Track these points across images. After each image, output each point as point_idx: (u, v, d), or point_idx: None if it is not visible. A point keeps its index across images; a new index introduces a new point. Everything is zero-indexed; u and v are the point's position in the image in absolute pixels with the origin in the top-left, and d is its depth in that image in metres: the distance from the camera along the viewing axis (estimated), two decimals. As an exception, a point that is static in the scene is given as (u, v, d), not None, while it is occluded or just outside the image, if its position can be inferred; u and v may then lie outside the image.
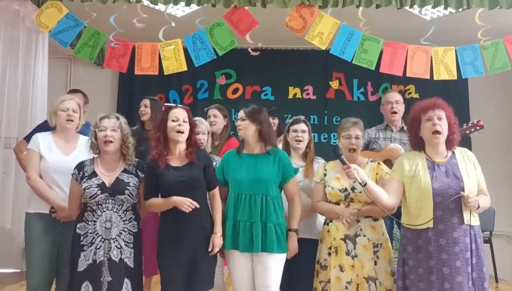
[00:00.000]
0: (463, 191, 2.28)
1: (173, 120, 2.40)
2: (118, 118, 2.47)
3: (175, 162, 2.43)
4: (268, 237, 2.40)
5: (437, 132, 2.34)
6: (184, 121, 2.42)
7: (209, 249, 2.37)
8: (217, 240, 2.40)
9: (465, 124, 3.17)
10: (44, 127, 2.95)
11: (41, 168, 2.63)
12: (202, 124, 2.90)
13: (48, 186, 2.61)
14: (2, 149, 3.50)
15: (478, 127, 3.12)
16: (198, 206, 2.34)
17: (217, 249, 2.39)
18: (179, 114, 2.42)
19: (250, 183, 2.46)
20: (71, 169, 2.49)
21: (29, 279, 2.64)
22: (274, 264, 2.41)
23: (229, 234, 2.44)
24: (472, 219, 2.30)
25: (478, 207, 2.28)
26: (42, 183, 2.61)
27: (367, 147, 3.33)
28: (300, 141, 2.79)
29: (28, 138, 2.99)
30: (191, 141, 2.47)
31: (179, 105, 2.50)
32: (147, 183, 2.45)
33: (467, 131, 3.14)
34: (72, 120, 2.67)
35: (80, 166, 2.46)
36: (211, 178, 2.47)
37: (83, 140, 2.71)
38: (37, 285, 2.60)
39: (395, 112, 3.37)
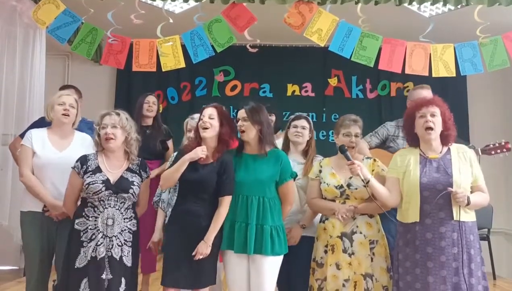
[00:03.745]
0: (451, 186, 2.29)
1: (200, 119, 2.45)
2: (118, 115, 2.45)
3: (202, 159, 2.42)
4: (263, 239, 2.36)
5: (430, 128, 2.37)
6: (210, 118, 2.43)
7: (193, 253, 2.32)
8: (202, 248, 2.32)
9: (491, 144, 3.09)
10: (39, 124, 2.94)
11: (34, 164, 2.60)
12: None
13: (41, 182, 2.58)
14: (0, 146, 3.49)
15: (505, 150, 3.06)
16: (205, 151, 2.38)
17: (200, 257, 2.32)
18: (205, 112, 2.46)
19: (247, 184, 2.43)
20: (64, 165, 2.48)
21: (27, 278, 2.65)
22: (269, 267, 2.38)
23: (226, 234, 2.42)
24: (463, 215, 2.30)
25: (469, 203, 2.28)
26: (34, 180, 2.58)
27: (384, 143, 3.22)
28: (300, 136, 2.78)
29: (23, 135, 2.98)
30: (221, 138, 2.47)
31: (213, 104, 2.53)
32: (172, 164, 2.46)
33: (492, 152, 3.07)
34: (68, 115, 2.64)
35: (84, 160, 2.42)
36: (225, 184, 2.40)
37: (79, 137, 2.71)
38: (34, 284, 2.60)
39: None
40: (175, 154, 2.57)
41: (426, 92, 3.13)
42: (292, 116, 2.89)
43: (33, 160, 2.60)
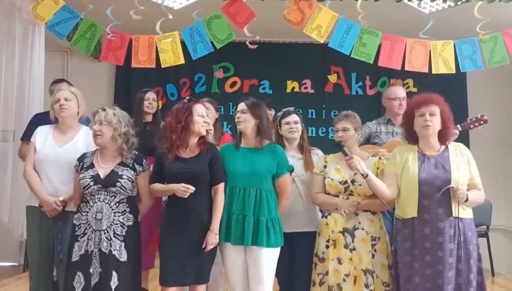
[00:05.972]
0: (450, 182, 2.31)
1: (199, 115, 2.46)
2: (104, 110, 2.46)
3: (185, 153, 2.46)
4: (259, 231, 2.40)
5: (427, 127, 2.40)
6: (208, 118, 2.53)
7: (203, 246, 2.36)
8: (211, 238, 2.37)
9: (468, 119, 3.15)
10: (38, 121, 2.94)
11: (35, 160, 2.62)
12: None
13: (40, 178, 2.60)
14: (-1, 142, 3.50)
15: (482, 122, 3.10)
16: (193, 189, 2.33)
17: (211, 247, 2.37)
18: (204, 111, 2.52)
19: (245, 176, 2.46)
20: (63, 161, 2.53)
21: (30, 272, 2.68)
22: (266, 258, 2.41)
23: (223, 227, 2.44)
24: (461, 212, 2.33)
25: (467, 199, 2.31)
26: (33, 176, 2.60)
27: (368, 140, 3.31)
28: (295, 131, 2.81)
29: (23, 138, 2.99)
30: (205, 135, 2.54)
31: (203, 100, 2.57)
32: (154, 169, 2.49)
33: (471, 126, 3.11)
34: (65, 108, 2.64)
35: (81, 158, 2.51)
36: (216, 173, 2.45)
37: (84, 132, 2.70)
38: (36, 277, 2.63)
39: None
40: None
41: (399, 89, 3.39)
42: (280, 113, 2.90)
43: (34, 156, 2.62)
